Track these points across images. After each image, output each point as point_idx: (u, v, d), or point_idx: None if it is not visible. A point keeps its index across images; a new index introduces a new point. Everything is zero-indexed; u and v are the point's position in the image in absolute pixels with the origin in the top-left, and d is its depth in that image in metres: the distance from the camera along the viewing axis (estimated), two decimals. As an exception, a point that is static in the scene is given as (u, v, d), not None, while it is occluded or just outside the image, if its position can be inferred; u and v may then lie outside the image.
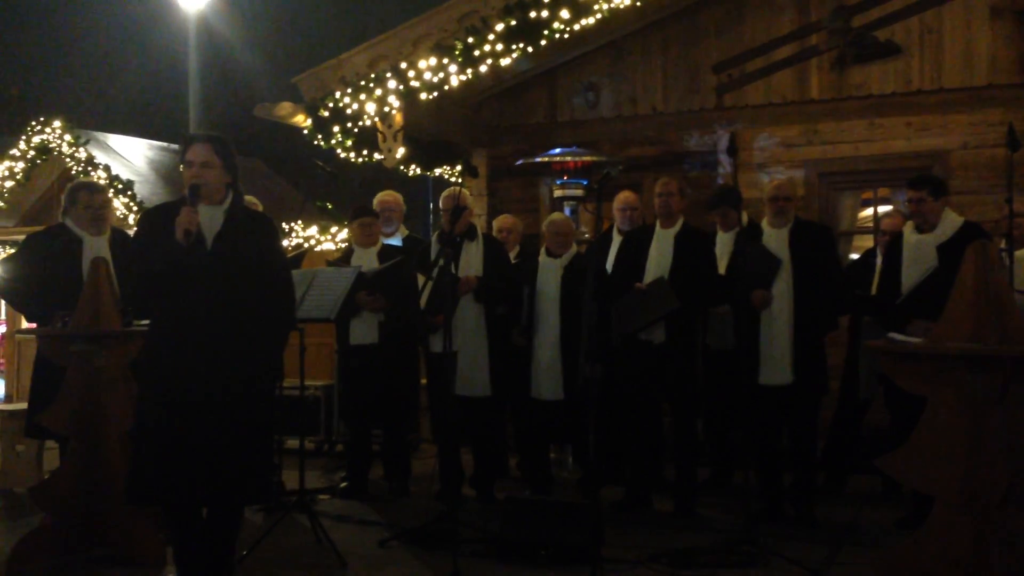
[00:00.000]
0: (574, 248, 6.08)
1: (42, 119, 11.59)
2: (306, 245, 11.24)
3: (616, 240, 6.16)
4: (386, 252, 6.19)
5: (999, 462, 3.55)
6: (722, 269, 5.68)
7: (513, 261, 6.35)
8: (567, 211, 7.42)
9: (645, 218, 6.38)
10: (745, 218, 5.75)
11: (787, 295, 5.28)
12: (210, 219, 3.88)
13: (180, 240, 3.75)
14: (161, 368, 3.84)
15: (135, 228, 4.16)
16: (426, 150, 9.02)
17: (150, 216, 4.11)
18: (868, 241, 7.64)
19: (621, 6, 7.28)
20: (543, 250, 6.06)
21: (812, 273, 5.29)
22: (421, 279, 5.85)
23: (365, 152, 8.15)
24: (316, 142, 7.93)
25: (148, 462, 3.80)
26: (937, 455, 3.66)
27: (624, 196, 6.43)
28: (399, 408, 6.15)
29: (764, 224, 5.50)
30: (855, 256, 7.33)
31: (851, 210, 7.83)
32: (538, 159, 7.66)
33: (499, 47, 7.24)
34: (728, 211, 5.90)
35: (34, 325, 5.59)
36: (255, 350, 3.89)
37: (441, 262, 4.76)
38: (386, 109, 7.63)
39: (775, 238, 5.39)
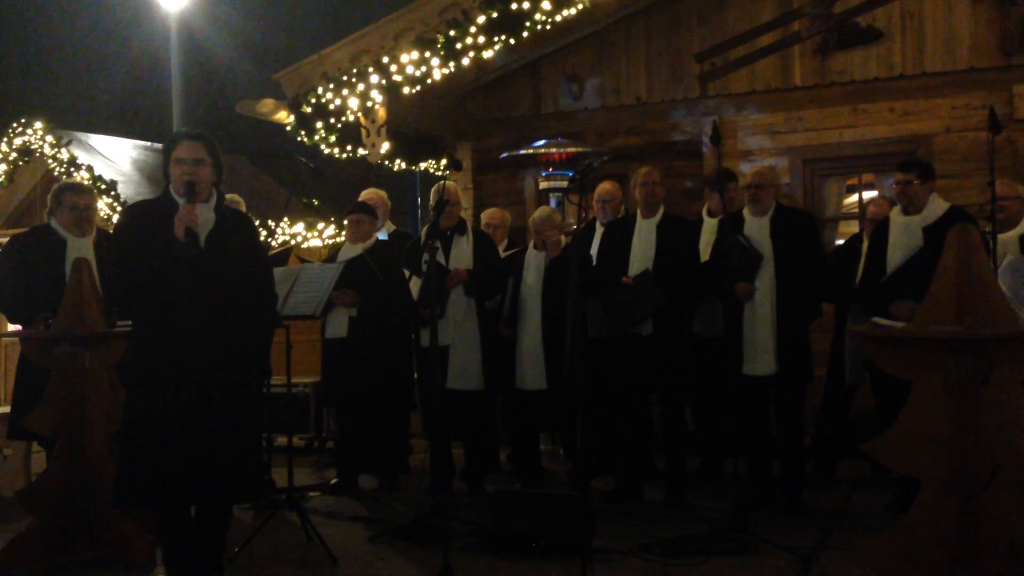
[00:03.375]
0: (562, 238, 6.06)
1: (23, 120, 11.50)
2: (292, 242, 11.21)
3: (599, 231, 6.15)
4: (378, 248, 6.18)
5: (984, 444, 3.56)
6: (708, 255, 5.69)
7: (503, 255, 6.34)
8: (553, 202, 7.41)
9: (628, 208, 6.37)
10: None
11: (769, 285, 5.27)
12: (203, 217, 3.86)
13: (180, 237, 3.72)
14: (150, 368, 3.81)
15: (116, 225, 4.13)
16: (410, 144, 9.00)
17: (133, 213, 4.08)
18: (853, 227, 7.65)
19: (602, -4, 7.28)
20: (531, 243, 6.05)
21: (794, 262, 5.28)
22: (408, 272, 5.86)
23: (349, 147, 8.13)
24: (299, 138, 7.91)
25: (137, 465, 3.78)
26: (923, 438, 3.67)
27: (603, 188, 6.42)
28: (381, 403, 6.12)
29: (745, 212, 5.49)
30: (840, 242, 7.34)
31: (836, 196, 7.85)
32: (523, 151, 7.65)
33: (481, 40, 7.23)
34: (730, 187, 5.83)
35: (18, 327, 5.55)
36: (244, 348, 3.89)
37: (426, 256, 4.74)
38: (369, 104, 7.61)
39: (756, 226, 5.38)
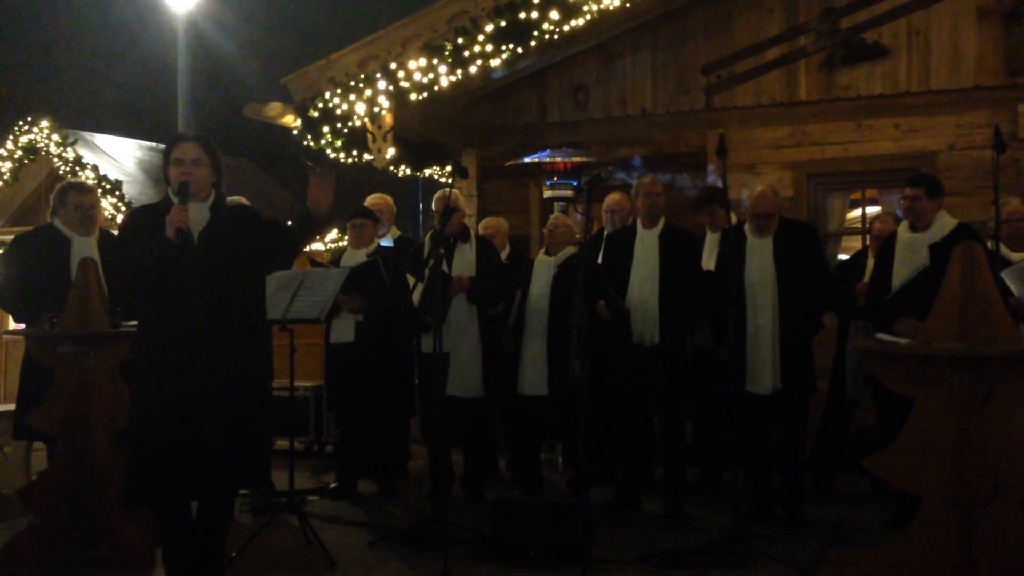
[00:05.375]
0: (570, 248, 6.08)
1: (29, 119, 11.54)
2: (296, 246, 11.20)
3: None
4: (381, 254, 6.19)
5: (986, 462, 3.57)
6: (711, 265, 5.71)
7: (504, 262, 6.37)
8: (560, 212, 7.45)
9: (634, 218, 6.39)
10: (735, 218, 5.77)
11: (772, 304, 5.27)
12: (197, 216, 3.88)
13: (171, 237, 3.73)
14: (154, 367, 3.82)
15: (120, 227, 4.14)
16: (416, 151, 9.02)
17: (136, 216, 4.10)
18: (856, 242, 7.68)
19: (611, 7, 7.30)
20: (541, 251, 6.09)
21: (797, 278, 5.29)
22: (412, 279, 5.87)
23: (355, 152, 8.15)
24: (306, 142, 7.93)
25: (145, 464, 3.78)
26: (924, 455, 3.68)
27: (612, 198, 6.45)
28: (383, 408, 6.13)
29: (747, 230, 5.47)
30: (844, 257, 7.35)
31: (839, 211, 7.87)
32: (528, 160, 7.67)
33: (489, 48, 7.25)
34: (716, 209, 5.94)
35: (22, 326, 5.57)
36: (247, 344, 3.89)
37: (431, 263, 4.76)
38: (376, 109, 7.62)
39: (758, 247, 5.38)
